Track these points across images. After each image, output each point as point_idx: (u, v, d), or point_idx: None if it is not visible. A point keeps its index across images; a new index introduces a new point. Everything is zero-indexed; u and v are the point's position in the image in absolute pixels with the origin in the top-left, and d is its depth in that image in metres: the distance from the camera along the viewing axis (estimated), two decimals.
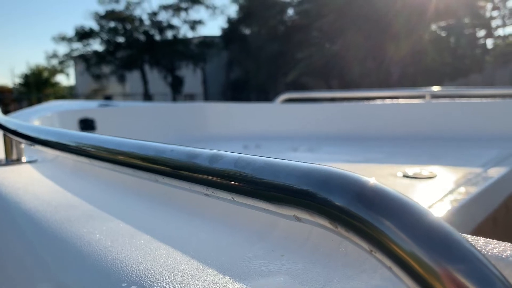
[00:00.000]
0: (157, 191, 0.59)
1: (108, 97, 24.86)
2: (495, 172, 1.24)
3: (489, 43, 17.03)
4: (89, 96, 25.93)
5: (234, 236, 0.46)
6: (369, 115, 2.19)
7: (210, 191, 0.41)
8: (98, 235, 0.48)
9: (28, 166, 0.93)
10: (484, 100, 2.08)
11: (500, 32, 16.86)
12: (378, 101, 2.30)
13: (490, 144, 1.75)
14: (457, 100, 2.14)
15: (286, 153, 1.85)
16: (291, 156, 1.77)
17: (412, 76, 15.90)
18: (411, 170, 1.34)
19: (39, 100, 24.65)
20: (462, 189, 1.09)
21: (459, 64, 16.19)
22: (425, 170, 1.33)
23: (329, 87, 18.75)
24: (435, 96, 2.27)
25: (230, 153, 0.40)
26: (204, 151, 0.43)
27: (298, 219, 0.33)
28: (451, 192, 1.07)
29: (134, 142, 0.53)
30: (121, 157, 0.54)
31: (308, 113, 2.36)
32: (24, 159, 0.99)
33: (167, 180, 0.47)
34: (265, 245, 0.42)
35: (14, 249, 0.64)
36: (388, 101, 2.26)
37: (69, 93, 30.55)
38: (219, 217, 0.50)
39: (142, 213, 0.57)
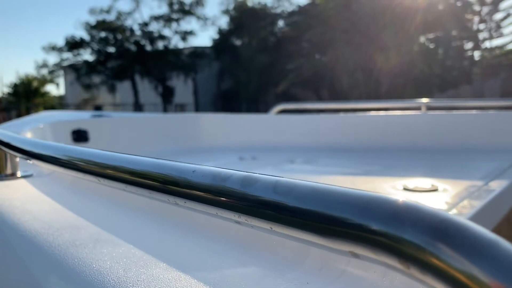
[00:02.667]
0: (171, 211, 0.54)
1: (98, 107, 24.73)
2: (497, 185, 1.23)
3: (476, 55, 17.31)
4: (79, 106, 25.75)
5: (260, 265, 0.40)
6: (366, 127, 2.18)
7: (243, 218, 0.36)
8: (108, 263, 0.43)
9: (23, 181, 0.88)
10: (480, 112, 2.09)
11: (487, 44, 17.15)
12: (374, 113, 2.30)
13: (488, 156, 1.74)
14: (454, 112, 2.14)
15: (283, 165, 1.83)
16: (288, 168, 1.75)
17: (401, 87, 16.07)
18: (411, 182, 1.33)
19: (28, 110, 24.43)
20: (465, 203, 1.08)
21: (448, 75, 16.41)
22: (425, 183, 1.32)
23: (319, 98, 18.88)
24: (430, 107, 2.27)
25: (265, 176, 0.36)
26: (233, 173, 0.38)
27: (355, 255, 0.29)
28: (454, 206, 1.06)
29: (151, 161, 0.49)
30: (136, 178, 0.49)
31: (304, 125, 2.34)
32: (19, 173, 0.93)
33: (190, 204, 0.42)
34: (297, 277, 0.37)
35: (12, 278, 0.57)
36: (384, 113, 2.26)
37: (59, 103, 30.31)
38: (241, 242, 0.45)
39: (155, 236, 0.51)
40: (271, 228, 0.34)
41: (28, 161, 0.79)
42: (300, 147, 2.20)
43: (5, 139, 0.87)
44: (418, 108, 2.32)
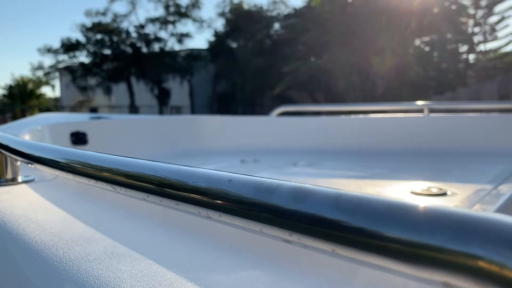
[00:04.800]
0: (194, 221, 0.48)
1: (93, 109, 24.65)
2: (506, 189, 1.21)
3: (471, 58, 17.41)
4: (75, 108, 25.68)
5: (304, 285, 0.36)
6: (368, 129, 2.16)
7: (295, 237, 0.31)
8: (129, 281, 0.37)
9: (25, 186, 0.83)
10: (485, 114, 2.08)
11: (482, 47, 17.27)
12: (376, 115, 2.28)
13: (493, 159, 1.73)
14: (458, 114, 2.13)
15: (286, 168, 1.81)
16: (292, 171, 1.73)
17: (397, 90, 16.14)
18: (417, 186, 1.30)
19: (23, 112, 24.31)
20: (477, 207, 1.05)
21: (443, 78, 16.49)
22: (433, 186, 1.30)
23: (315, 101, 18.93)
24: (433, 110, 2.26)
25: (323, 189, 0.31)
26: (280, 183, 0.33)
27: (448, 286, 0.24)
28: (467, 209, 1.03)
29: (177, 168, 0.43)
30: (160, 187, 0.43)
31: (306, 127, 2.32)
32: (20, 178, 0.88)
33: (226, 218, 0.37)
34: None
35: None
36: (386, 115, 2.24)
37: (54, 105, 30.16)
38: (275, 257, 0.40)
39: (179, 250, 0.45)
40: (333, 250, 0.29)
41: (30, 165, 0.75)
42: (302, 150, 2.18)
43: (6, 142, 0.83)
44: (421, 111, 2.30)
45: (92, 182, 0.54)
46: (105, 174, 0.51)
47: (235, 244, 0.45)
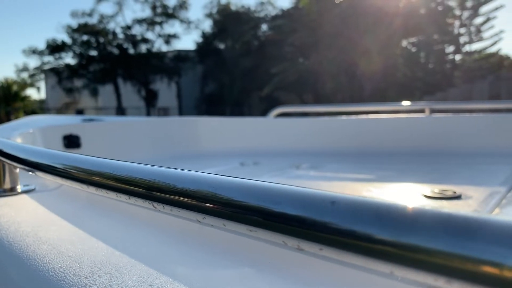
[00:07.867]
0: (241, 242, 0.40)
1: (80, 111, 24.36)
2: None
3: (457, 58, 17.60)
4: (60, 110, 25.32)
5: None
6: (370, 130, 2.12)
7: (451, 283, 0.23)
8: None
9: (26, 197, 0.75)
10: (488, 114, 2.06)
11: (467, 48, 17.47)
12: (376, 116, 2.24)
13: (500, 159, 1.70)
14: (461, 114, 2.10)
15: (288, 170, 1.75)
16: (295, 175, 1.68)
17: (384, 91, 16.24)
18: (429, 189, 1.26)
19: (7, 114, 23.90)
20: (498, 210, 1.02)
21: (430, 79, 16.64)
22: (445, 189, 1.26)
23: (303, 101, 18.97)
24: (434, 110, 2.23)
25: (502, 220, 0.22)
26: (420, 212, 0.24)
27: None
28: (489, 214, 1.00)
29: (250, 184, 0.33)
30: (231, 210, 0.33)
31: (305, 128, 2.27)
32: (19, 188, 0.79)
33: (329, 252, 0.27)
34: None
35: None
36: (388, 116, 2.20)
37: (39, 107, 29.70)
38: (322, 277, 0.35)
39: (233, 281, 0.37)
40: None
41: (30, 173, 0.67)
42: (303, 151, 2.13)
43: (4, 148, 0.75)
44: (422, 111, 2.27)
45: (124, 198, 0.43)
46: (136, 188, 0.41)
47: (299, 269, 0.37)
